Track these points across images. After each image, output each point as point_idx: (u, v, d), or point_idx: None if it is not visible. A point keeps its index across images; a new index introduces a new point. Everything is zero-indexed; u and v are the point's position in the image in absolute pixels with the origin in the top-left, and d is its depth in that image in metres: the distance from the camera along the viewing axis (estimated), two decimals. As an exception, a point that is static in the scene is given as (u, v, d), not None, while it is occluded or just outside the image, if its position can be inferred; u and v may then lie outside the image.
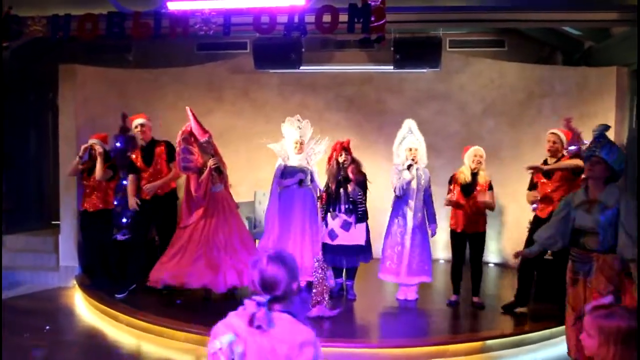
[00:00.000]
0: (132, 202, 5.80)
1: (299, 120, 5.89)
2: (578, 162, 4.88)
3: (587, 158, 3.76)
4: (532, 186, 5.34)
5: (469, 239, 5.45)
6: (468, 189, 5.35)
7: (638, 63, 4.26)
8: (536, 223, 5.20)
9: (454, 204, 5.41)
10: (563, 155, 5.17)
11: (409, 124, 5.61)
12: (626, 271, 3.64)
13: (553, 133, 5.21)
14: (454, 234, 5.51)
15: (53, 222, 7.73)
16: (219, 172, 5.50)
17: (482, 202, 5.27)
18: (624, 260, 3.60)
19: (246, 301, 1.96)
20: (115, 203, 6.33)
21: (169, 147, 5.88)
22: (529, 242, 5.23)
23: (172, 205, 6.02)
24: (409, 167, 5.38)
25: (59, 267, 6.76)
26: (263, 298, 1.93)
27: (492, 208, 5.40)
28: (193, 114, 5.45)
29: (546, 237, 4.00)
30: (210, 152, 5.50)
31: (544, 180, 5.19)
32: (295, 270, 2.03)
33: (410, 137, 5.56)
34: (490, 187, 5.40)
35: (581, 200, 3.76)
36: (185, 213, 5.63)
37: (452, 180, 5.50)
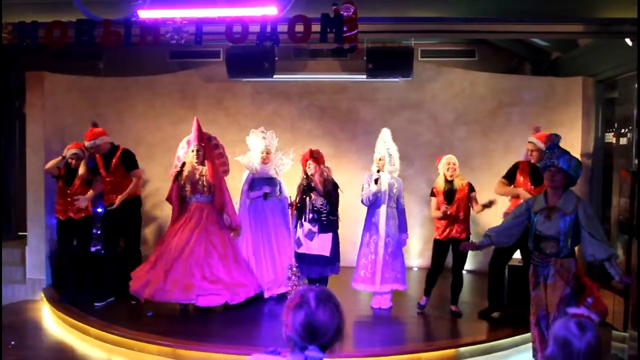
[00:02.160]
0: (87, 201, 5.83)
1: (263, 131, 5.89)
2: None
3: (546, 168, 3.91)
4: (511, 178, 5.37)
5: (453, 246, 5.44)
6: (449, 196, 5.39)
7: (638, 68, 4.37)
8: None
9: (446, 215, 5.36)
10: None
11: (382, 132, 5.66)
12: (588, 273, 3.76)
13: (530, 142, 5.26)
14: (438, 243, 5.50)
15: (20, 234, 7.54)
16: (177, 179, 5.56)
17: (481, 207, 5.36)
18: (594, 262, 3.71)
19: (291, 357, 1.65)
20: (99, 210, 6.32)
21: (125, 155, 5.84)
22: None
23: (137, 211, 5.99)
24: (376, 180, 5.43)
25: (26, 280, 6.58)
26: (316, 352, 1.62)
27: (489, 205, 5.38)
28: (197, 124, 5.56)
29: (498, 233, 4.14)
30: (197, 161, 5.55)
31: (528, 182, 5.24)
32: (343, 316, 1.73)
33: (380, 146, 5.60)
34: (472, 189, 5.45)
35: (541, 207, 3.91)
36: (172, 216, 5.74)
37: (433, 192, 5.51)
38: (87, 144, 5.76)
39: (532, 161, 5.28)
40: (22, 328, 5.53)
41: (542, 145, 5.15)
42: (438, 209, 5.41)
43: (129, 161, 5.85)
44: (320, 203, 5.46)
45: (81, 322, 5.29)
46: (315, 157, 5.54)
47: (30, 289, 6.53)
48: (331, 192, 5.50)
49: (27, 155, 6.67)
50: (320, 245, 5.49)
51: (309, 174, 5.51)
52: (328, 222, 5.49)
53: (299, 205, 5.54)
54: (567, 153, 3.87)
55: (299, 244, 5.55)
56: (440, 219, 5.41)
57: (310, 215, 5.49)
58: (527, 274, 4.16)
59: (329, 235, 5.51)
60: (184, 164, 5.59)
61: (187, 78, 7.73)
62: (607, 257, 3.67)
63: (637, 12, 4.21)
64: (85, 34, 4.73)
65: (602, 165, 6.76)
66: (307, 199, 5.49)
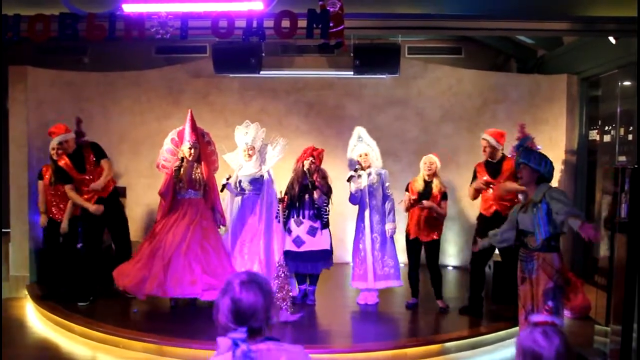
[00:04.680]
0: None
1: (247, 125, 5.85)
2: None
3: (517, 168, 4.08)
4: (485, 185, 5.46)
5: (423, 245, 5.51)
6: (422, 197, 5.44)
7: (638, 66, 4.42)
8: (482, 221, 5.37)
9: (409, 206, 5.46)
10: (505, 156, 5.38)
11: (358, 131, 5.69)
12: (572, 269, 3.81)
13: (483, 139, 5.39)
14: (407, 240, 5.58)
15: (3, 230, 7.44)
16: (177, 176, 5.41)
17: (433, 210, 5.36)
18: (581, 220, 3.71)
19: (220, 340, 1.66)
20: None
21: (94, 147, 5.78)
22: (475, 240, 5.39)
23: (118, 204, 5.92)
24: (351, 177, 5.47)
25: (9, 277, 6.50)
26: (241, 334, 1.64)
27: (442, 216, 5.46)
28: (191, 117, 5.44)
29: (497, 235, 4.29)
30: (192, 158, 5.45)
31: (489, 179, 5.34)
32: (271, 295, 1.77)
33: (360, 145, 5.62)
34: (444, 197, 5.48)
35: (522, 204, 4.06)
36: (158, 210, 5.64)
37: (408, 188, 5.59)
38: (57, 139, 5.58)
39: (485, 157, 5.41)
40: (5, 326, 5.44)
41: (494, 142, 5.31)
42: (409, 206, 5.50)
43: (100, 151, 5.75)
44: (323, 200, 5.47)
45: (66, 319, 5.24)
46: (320, 157, 5.54)
47: (13, 286, 6.44)
48: (330, 190, 5.56)
49: (10, 151, 6.58)
50: (323, 240, 5.51)
51: (310, 170, 5.45)
52: (328, 218, 5.54)
53: (296, 201, 5.49)
54: (529, 149, 3.97)
55: (299, 242, 5.47)
56: (407, 209, 5.50)
57: (311, 212, 5.48)
58: (510, 270, 4.22)
59: (327, 230, 5.57)
60: (182, 158, 5.45)
61: (173, 73, 7.67)
62: (569, 214, 3.70)
63: (637, 12, 4.24)
64: (69, 28, 4.67)
65: (586, 162, 6.83)
66: (307, 195, 5.47)
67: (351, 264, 5.76)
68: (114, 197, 5.89)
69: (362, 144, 5.63)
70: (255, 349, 1.65)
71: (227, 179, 5.71)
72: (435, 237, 5.47)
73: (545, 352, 1.75)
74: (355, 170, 5.52)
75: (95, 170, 5.71)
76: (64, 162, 5.64)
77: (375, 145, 5.67)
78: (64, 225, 5.71)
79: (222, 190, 5.76)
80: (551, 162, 3.99)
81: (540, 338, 1.77)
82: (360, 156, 5.56)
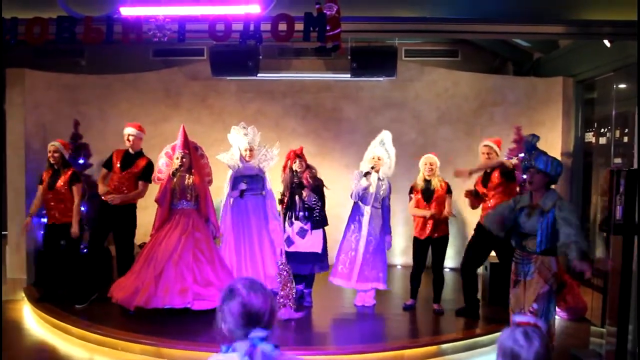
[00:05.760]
0: (102, 189, 5.73)
1: (244, 127, 5.88)
2: (501, 161, 5.22)
3: (525, 170, 3.99)
4: (478, 195, 5.48)
5: (432, 244, 5.53)
6: (427, 195, 5.47)
7: (638, 69, 4.45)
8: (479, 231, 5.38)
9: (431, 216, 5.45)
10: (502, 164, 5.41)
11: (383, 135, 5.70)
12: (568, 271, 3.80)
13: (486, 145, 5.45)
14: (417, 241, 5.57)
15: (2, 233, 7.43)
16: (175, 174, 5.47)
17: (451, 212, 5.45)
18: (580, 254, 3.68)
19: (239, 344, 1.74)
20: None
21: (148, 166, 5.80)
22: (471, 247, 5.43)
23: (131, 216, 5.89)
24: (367, 174, 5.47)
25: (6, 279, 6.49)
26: (261, 332, 1.70)
27: (450, 213, 5.50)
28: (184, 131, 5.52)
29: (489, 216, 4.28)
30: (182, 169, 5.49)
31: (484, 190, 5.39)
32: (274, 298, 1.84)
33: (379, 148, 5.64)
34: (449, 191, 5.52)
35: (525, 204, 4.01)
36: (155, 220, 5.64)
37: (412, 190, 5.60)
38: (131, 130, 5.75)
39: (489, 163, 5.41)
40: (3, 328, 5.43)
41: (498, 150, 5.44)
42: (417, 207, 5.50)
43: (149, 172, 5.78)
44: (313, 200, 5.49)
45: (63, 321, 5.23)
46: (300, 154, 5.58)
47: (10, 289, 6.43)
48: (320, 188, 5.57)
49: (7, 153, 6.58)
50: (312, 242, 5.53)
51: (299, 171, 5.51)
52: (320, 218, 5.54)
53: (288, 203, 5.53)
54: (545, 153, 3.94)
55: (289, 243, 5.55)
56: (424, 217, 5.48)
57: (301, 213, 5.51)
58: (506, 271, 4.22)
59: (320, 232, 5.58)
60: (180, 166, 5.50)
61: (170, 76, 7.68)
62: (571, 241, 3.66)
63: (637, 15, 4.27)
64: (67, 31, 4.68)
65: (582, 164, 6.87)
66: (297, 196, 5.49)
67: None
68: (130, 211, 5.85)
69: (381, 148, 5.63)
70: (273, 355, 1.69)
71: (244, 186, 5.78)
72: (444, 232, 5.50)
73: (524, 353, 1.75)
74: (372, 168, 5.52)
75: (130, 182, 5.75)
76: (117, 154, 5.84)
77: (394, 154, 5.67)
78: (75, 229, 5.71)
79: (241, 196, 5.80)
80: (562, 166, 3.98)
81: (521, 338, 1.77)
82: (373, 158, 5.58)
